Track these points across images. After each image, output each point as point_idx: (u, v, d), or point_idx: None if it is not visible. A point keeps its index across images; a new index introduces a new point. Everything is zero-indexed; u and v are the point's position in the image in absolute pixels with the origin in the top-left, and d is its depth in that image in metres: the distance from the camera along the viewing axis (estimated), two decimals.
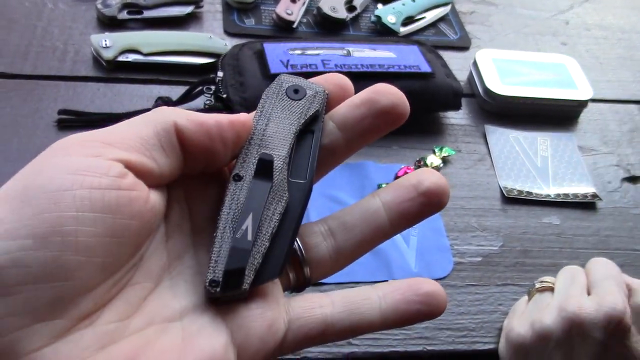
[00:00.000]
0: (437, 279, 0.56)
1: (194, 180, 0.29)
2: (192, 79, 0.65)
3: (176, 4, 0.74)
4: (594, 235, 0.63)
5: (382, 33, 0.78)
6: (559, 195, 0.65)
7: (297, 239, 0.29)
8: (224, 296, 0.26)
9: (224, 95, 0.61)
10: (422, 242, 0.59)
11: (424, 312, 0.29)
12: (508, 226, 0.62)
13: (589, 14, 0.92)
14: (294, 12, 0.76)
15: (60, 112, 0.61)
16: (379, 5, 0.81)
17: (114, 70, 0.67)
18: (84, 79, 0.66)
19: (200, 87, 0.63)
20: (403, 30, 0.79)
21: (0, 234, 0.21)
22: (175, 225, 0.27)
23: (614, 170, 0.70)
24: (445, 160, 0.66)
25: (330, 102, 0.31)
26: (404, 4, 0.80)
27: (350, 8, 0.79)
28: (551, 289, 0.52)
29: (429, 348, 0.52)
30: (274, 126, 0.29)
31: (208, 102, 0.62)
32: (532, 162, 0.68)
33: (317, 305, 0.28)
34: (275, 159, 0.28)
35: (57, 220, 0.21)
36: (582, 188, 0.66)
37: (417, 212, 0.30)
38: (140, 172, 0.25)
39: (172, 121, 0.26)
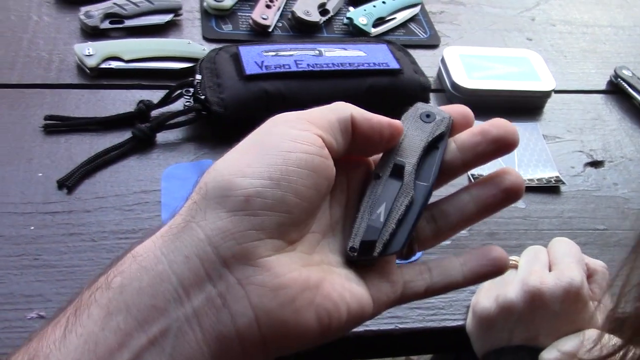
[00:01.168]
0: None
1: (351, 164, 0.36)
2: (172, 83, 0.68)
3: (156, 13, 0.77)
4: (557, 217, 0.66)
5: (355, 34, 0.82)
6: (524, 180, 0.68)
7: None
8: (359, 260, 0.34)
9: (202, 97, 0.65)
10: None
11: (493, 271, 0.37)
12: None
13: (555, 10, 0.96)
14: (269, 17, 0.80)
15: (47, 117, 0.64)
16: (351, 8, 0.84)
17: (97, 77, 0.70)
18: (68, 86, 0.69)
19: (180, 90, 0.67)
20: (374, 30, 0.82)
21: (250, 173, 0.29)
22: (336, 195, 0.35)
23: (578, 156, 0.74)
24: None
25: (454, 126, 0.37)
26: (374, 6, 0.84)
27: (324, 11, 0.83)
28: (515, 267, 0.56)
29: (401, 326, 0.55)
30: (408, 141, 0.37)
31: (187, 103, 0.66)
32: None
33: (421, 273, 0.36)
34: (406, 165, 0.36)
35: (286, 170, 0.29)
36: (547, 173, 0.70)
37: (499, 204, 0.37)
38: (328, 146, 0.32)
39: (349, 112, 0.33)
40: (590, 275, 0.54)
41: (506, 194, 0.36)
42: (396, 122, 0.36)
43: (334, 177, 0.33)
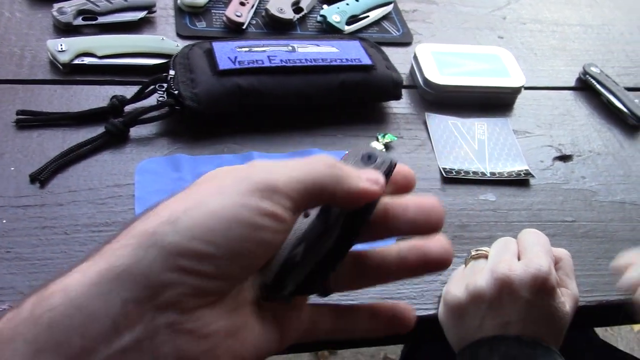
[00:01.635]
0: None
1: None
2: (145, 79, 0.68)
3: (129, 10, 0.77)
4: (527, 210, 0.68)
5: (328, 32, 0.83)
6: (494, 173, 0.70)
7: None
8: (272, 298, 0.33)
9: (176, 92, 0.65)
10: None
11: (396, 331, 0.38)
12: (447, 203, 0.66)
13: (525, 9, 0.98)
14: (243, 14, 0.80)
15: (19, 112, 0.64)
16: (325, 6, 0.85)
17: (70, 73, 0.70)
18: (41, 82, 0.69)
19: (153, 86, 0.67)
20: (348, 28, 0.83)
21: (208, 238, 0.28)
22: None
23: (547, 150, 0.75)
24: (387, 146, 0.70)
25: (396, 183, 0.36)
26: (348, 4, 0.85)
27: (297, 9, 0.84)
28: (485, 256, 0.57)
29: None
30: None
31: (161, 98, 0.66)
32: (470, 145, 0.73)
33: (330, 317, 0.37)
34: (333, 207, 0.34)
35: (247, 247, 0.29)
36: (517, 167, 0.71)
37: (421, 272, 0.37)
38: (292, 217, 0.31)
39: (330, 189, 0.31)
40: (556, 262, 0.56)
41: (431, 265, 0.35)
42: (367, 193, 0.33)
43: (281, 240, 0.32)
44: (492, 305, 0.52)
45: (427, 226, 0.34)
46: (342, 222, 0.34)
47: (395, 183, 0.35)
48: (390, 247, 0.36)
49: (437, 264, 0.35)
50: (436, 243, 0.35)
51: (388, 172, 0.34)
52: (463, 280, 0.55)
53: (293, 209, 0.30)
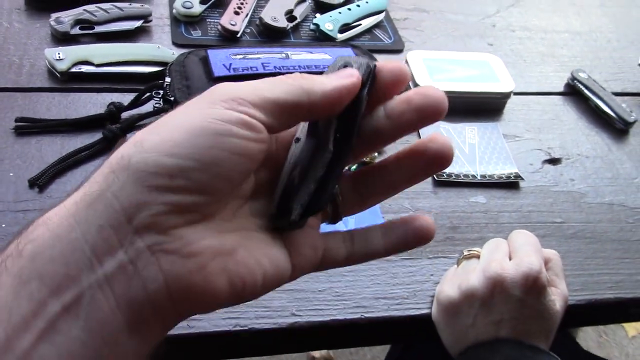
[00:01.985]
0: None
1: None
2: (142, 87, 0.69)
3: (126, 19, 0.79)
4: (517, 211, 0.69)
5: (321, 40, 0.84)
6: (484, 176, 0.71)
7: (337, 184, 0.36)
8: (281, 225, 0.33)
9: (172, 98, 0.66)
10: (359, 223, 0.64)
11: (415, 241, 0.37)
12: (439, 206, 0.68)
13: (514, 17, 1.00)
14: (238, 23, 0.82)
15: (18, 119, 0.65)
16: (317, 14, 0.87)
17: (68, 81, 0.71)
18: (39, 90, 0.70)
19: (150, 93, 0.68)
20: (340, 36, 0.85)
21: (177, 153, 0.28)
22: (263, 166, 0.33)
23: (536, 154, 0.77)
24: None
25: (387, 85, 0.34)
26: (340, 13, 0.86)
27: (291, 18, 0.85)
28: (477, 257, 0.58)
29: (367, 315, 0.57)
30: None
31: (157, 105, 0.67)
32: (461, 149, 0.74)
33: (343, 241, 0.36)
34: (321, 121, 0.34)
35: (215, 155, 0.28)
36: (507, 170, 0.73)
37: (422, 174, 0.36)
38: (267, 128, 0.30)
39: (304, 98, 0.31)
40: (545, 263, 0.57)
41: (434, 162, 0.35)
42: (350, 83, 0.32)
43: (264, 153, 0.31)
44: (484, 304, 0.53)
45: (435, 110, 0.33)
46: (334, 131, 0.33)
47: (384, 85, 0.34)
48: (388, 157, 0.36)
49: (439, 160, 0.34)
50: (434, 140, 0.34)
51: (368, 75, 0.33)
52: (456, 280, 0.56)
53: (265, 121, 0.30)
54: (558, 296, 0.55)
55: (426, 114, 0.33)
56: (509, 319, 0.53)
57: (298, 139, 0.34)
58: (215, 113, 0.28)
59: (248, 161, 0.30)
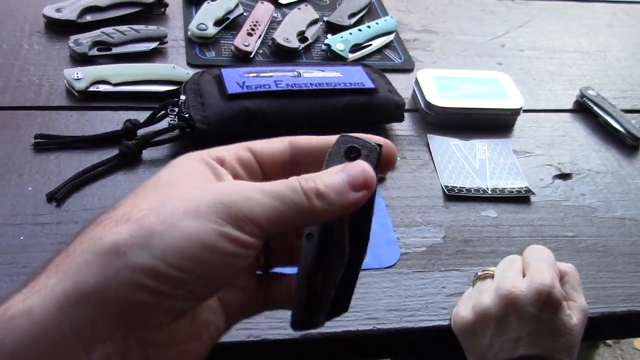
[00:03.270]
0: (385, 268, 0.62)
1: None
2: (157, 105, 0.71)
3: (142, 41, 0.81)
4: (528, 225, 0.69)
5: (332, 59, 0.86)
6: (495, 190, 0.72)
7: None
8: (307, 330, 0.34)
9: (186, 115, 0.68)
10: (371, 236, 0.64)
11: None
12: (450, 220, 0.68)
13: (523, 37, 1.01)
14: (251, 44, 0.84)
15: (37, 136, 0.67)
16: (329, 35, 0.89)
17: (86, 100, 0.73)
18: (58, 108, 0.72)
19: (165, 110, 0.70)
20: (351, 56, 0.87)
21: (184, 268, 0.28)
22: None
23: (547, 169, 0.77)
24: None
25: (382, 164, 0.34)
26: (351, 33, 0.88)
27: (303, 39, 0.87)
28: (492, 276, 0.58)
29: (378, 327, 0.57)
30: None
31: (172, 121, 0.69)
32: (471, 164, 0.75)
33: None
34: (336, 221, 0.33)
35: (220, 272, 0.30)
36: (517, 184, 0.73)
37: None
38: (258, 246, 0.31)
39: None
40: (562, 277, 0.56)
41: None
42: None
43: None
44: (499, 323, 0.53)
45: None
46: (347, 228, 0.32)
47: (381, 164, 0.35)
48: None
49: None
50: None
51: (376, 161, 0.32)
52: (470, 301, 0.56)
53: (262, 236, 0.30)
54: (576, 310, 0.54)
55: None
56: (526, 335, 0.52)
57: (310, 235, 0.34)
58: (226, 234, 0.29)
59: (237, 273, 0.31)
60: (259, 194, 0.30)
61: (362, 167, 0.32)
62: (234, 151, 0.35)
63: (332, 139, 0.34)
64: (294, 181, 0.31)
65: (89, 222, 0.30)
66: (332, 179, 0.32)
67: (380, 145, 0.33)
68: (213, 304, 0.34)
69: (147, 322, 0.28)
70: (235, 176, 0.35)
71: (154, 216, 0.29)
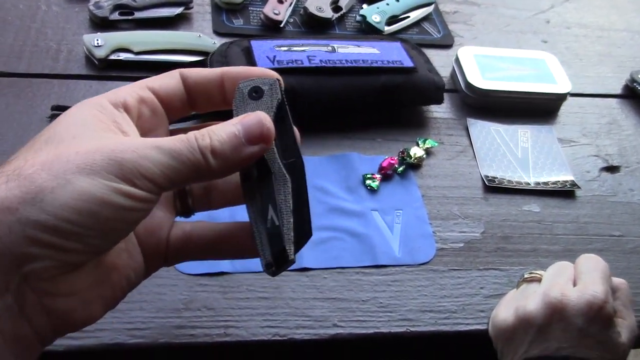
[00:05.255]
0: (420, 264, 0.58)
1: None
2: None
3: (166, 5, 0.76)
4: (573, 222, 0.65)
5: (367, 32, 0.80)
6: (538, 183, 0.67)
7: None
8: (283, 270, 0.34)
9: None
10: (405, 229, 0.61)
11: None
12: (489, 214, 0.64)
13: (570, 12, 0.95)
14: (281, 12, 0.79)
15: (54, 107, 0.63)
16: (364, 5, 0.83)
17: (106, 69, 0.69)
18: (76, 77, 0.68)
19: None
20: (387, 29, 0.81)
21: (77, 222, 0.29)
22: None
23: (593, 161, 0.72)
24: (428, 151, 0.68)
25: None
26: (388, 4, 0.82)
27: (336, 8, 0.82)
28: (539, 280, 0.53)
29: (412, 329, 0.54)
30: None
31: None
32: (513, 153, 0.70)
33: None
34: (265, 153, 0.33)
35: (114, 226, 0.31)
36: (561, 177, 0.68)
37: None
38: (155, 200, 0.33)
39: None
40: (613, 292, 0.52)
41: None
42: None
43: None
44: (541, 330, 0.49)
45: None
46: (279, 156, 0.34)
47: None
48: None
49: None
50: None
51: (282, 91, 0.35)
52: (513, 304, 0.52)
53: (158, 192, 0.31)
54: (625, 328, 0.50)
55: None
56: (568, 347, 0.48)
57: (247, 175, 0.34)
58: (120, 189, 0.29)
59: (136, 225, 0.32)
60: (154, 152, 0.30)
61: (259, 118, 0.33)
62: (135, 91, 0.36)
63: (220, 70, 0.37)
64: (191, 138, 0.32)
65: None
66: (228, 132, 0.32)
67: (277, 78, 0.36)
68: (129, 247, 0.35)
69: (41, 274, 0.29)
70: (140, 117, 0.35)
71: (45, 172, 0.29)
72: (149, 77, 0.68)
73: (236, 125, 0.33)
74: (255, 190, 0.34)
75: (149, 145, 0.31)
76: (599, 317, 0.48)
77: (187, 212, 0.40)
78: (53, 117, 0.62)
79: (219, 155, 0.32)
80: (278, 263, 0.33)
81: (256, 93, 0.35)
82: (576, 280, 0.51)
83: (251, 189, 0.34)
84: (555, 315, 0.48)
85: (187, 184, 0.36)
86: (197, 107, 0.39)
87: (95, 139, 0.31)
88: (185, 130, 0.33)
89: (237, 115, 0.34)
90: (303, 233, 0.34)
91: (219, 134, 0.32)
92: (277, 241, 0.33)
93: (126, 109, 0.35)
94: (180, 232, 0.38)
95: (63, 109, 0.62)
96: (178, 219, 0.40)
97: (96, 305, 0.33)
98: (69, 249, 0.29)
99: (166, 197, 0.39)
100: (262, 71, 0.37)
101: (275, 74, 0.37)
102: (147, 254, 0.37)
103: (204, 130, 0.32)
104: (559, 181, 0.68)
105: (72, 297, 0.31)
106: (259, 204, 0.34)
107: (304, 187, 0.34)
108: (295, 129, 0.37)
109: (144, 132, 0.36)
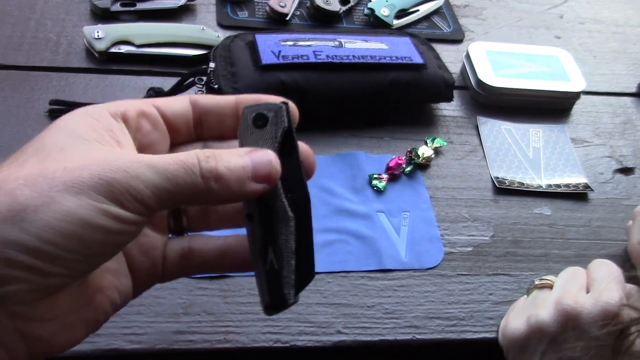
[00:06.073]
0: (427, 269, 0.56)
1: None
2: (184, 71, 0.65)
3: None
4: (585, 226, 0.63)
5: (376, 26, 0.78)
6: (550, 185, 0.65)
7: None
8: (281, 311, 0.32)
9: (216, 86, 0.61)
10: (412, 232, 0.59)
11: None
12: (499, 216, 0.62)
13: (583, 7, 0.92)
14: (287, 5, 0.76)
15: (52, 102, 0.61)
16: None
17: (107, 62, 0.67)
18: (76, 70, 0.66)
19: (192, 78, 0.63)
20: (396, 22, 0.79)
21: (61, 245, 0.27)
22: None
23: (606, 162, 0.70)
24: (437, 151, 0.66)
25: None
26: None
27: (344, 1, 0.79)
28: (550, 287, 0.51)
29: (419, 337, 0.52)
30: None
31: (200, 92, 0.62)
32: (524, 153, 0.68)
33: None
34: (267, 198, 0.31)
35: (99, 250, 0.29)
36: (574, 179, 0.66)
37: None
38: (143, 222, 0.31)
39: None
40: (625, 298, 0.50)
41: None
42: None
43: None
44: (554, 340, 0.47)
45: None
46: (282, 193, 0.31)
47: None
48: None
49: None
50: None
51: (289, 119, 0.32)
52: (524, 312, 0.50)
53: (148, 213, 0.29)
54: None
55: None
56: (582, 357, 0.47)
57: (250, 215, 0.32)
58: (107, 211, 0.27)
59: (121, 248, 0.31)
60: (147, 171, 0.28)
61: (269, 159, 0.31)
62: (138, 105, 0.34)
63: (234, 98, 0.35)
64: (192, 158, 0.29)
65: None
66: (236, 163, 0.30)
67: (285, 102, 0.32)
68: (115, 266, 0.33)
69: (18, 298, 0.27)
70: (139, 130, 0.33)
71: (29, 188, 0.26)
72: (151, 70, 0.67)
73: (244, 158, 0.30)
74: (256, 226, 0.32)
75: (142, 163, 0.28)
76: (614, 325, 0.46)
77: (180, 232, 0.37)
78: (51, 112, 0.61)
79: (222, 182, 0.30)
80: (276, 307, 0.32)
81: (260, 121, 0.32)
82: (589, 286, 0.49)
83: (253, 228, 0.32)
84: (569, 323, 0.47)
85: (180, 207, 0.34)
86: (205, 133, 0.36)
87: (85, 152, 0.29)
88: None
89: (243, 145, 0.32)
90: (305, 274, 0.32)
91: (227, 160, 0.30)
92: (276, 286, 0.31)
93: (125, 119, 0.33)
94: (178, 248, 0.36)
95: (62, 103, 0.61)
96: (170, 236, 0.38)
97: (77, 329, 0.31)
98: (50, 273, 0.27)
99: (159, 215, 0.36)
100: (276, 99, 0.34)
101: (284, 100, 0.34)
102: (139, 274, 0.35)
103: (208, 152, 0.30)
104: (571, 183, 0.66)
105: (51, 321, 0.29)
106: (259, 242, 0.32)
107: (308, 224, 0.32)
108: (306, 149, 0.34)
109: (142, 147, 0.33)
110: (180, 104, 0.35)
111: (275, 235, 0.31)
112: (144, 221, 0.29)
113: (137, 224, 0.29)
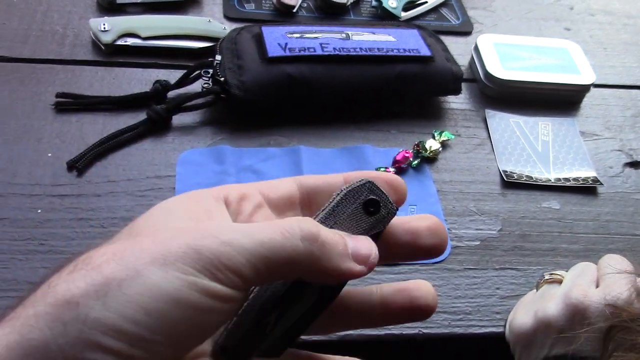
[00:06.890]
0: (434, 263, 0.56)
1: None
2: (190, 63, 0.64)
3: None
4: (594, 220, 0.62)
5: (383, 18, 0.78)
6: (559, 179, 0.64)
7: None
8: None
9: (222, 79, 0.61)
10: None
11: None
12: (507, 210, 0.61)
13: None
14: None
15: (58, 95, 0.61)
16: None
17: (113, 54, 0.67)
18: (82, 62, 0.66)
19: (198, 71, 0.63)
20: (404, 15, 0.78)
21: (145, 324, 0.24)
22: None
23: (616, 155, 0.69)
24: (444, 144, 0.65)
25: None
26: None
27: None
28: (560, 281, 0.51)
29: (425, 331, 0.52)
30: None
31: (206, 85, 0.62)
32: (533, 146, 0.67)
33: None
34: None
35: (186, 331, 0.25)
36: (583, 173, 0.66)
37: (405, 319, 0.33)
38: (239, 299, 0.27)
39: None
40: (637, 294, 0.50)
41: (417, 312, 0.33)
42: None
43: None
44: (562, 334, 0.47)
45: (437, 250, 0.32)
46: (319, 290, 0.29)
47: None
48: (371, 290, 0.33)
49: (423, 311, 0.32)
50: (422, 287, 0.33)
51: (386, 225, 0.29)
52: (532, 306, 0.50)
53: (245, 286, 0.26)
54: None
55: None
56: (589, 351, 0.46)
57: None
58: (198, 285, 0.24)
59: (212, 331, 0.27)
60: (240, 236, 0.25)
61: (371, 244, 0.29)
62: (241, 189, 0.31)
63: (342, 176, 0.32)
64: (289, 221, 0.27)
65: (51, 271, 0.25)
66: (334, 235, 0.27)
67: (396, 209, 0.30)
68: (205, 347, 0.30)
69: None
70: (240, 213, 0.31)
71: (115, 262, 0.24)
72: (157, 63, 0.67)
73: (344, 237, 0.28)
74: (278, 286, 0.29)
75: (234, 228, 0.26)
76: (623, 320, 0.45)
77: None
78: (57, 105, 0.61)
79: (325, 248, 0.27)
80: (229, 356, 0.29)
81: (372, 208, 0.29)
82: (599, 281, 0.48)
83: (275, 282, 0.29)
84: (577, 317, 0.46)
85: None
86: (312, 211, 0.33)
87: (177, 229, 0.27)
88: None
89: (337, 205, 0.29)
90: (274, 350, 0.30)
91: (326, 230, 0.28)
92: (250, 342, 0.29)
93: (226, 202, 0.31)
94: None
95: (68, 96, 0.61)
96: None
97: None
98: (131, 357, 0.24)
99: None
100: (387, 176, 0.32)
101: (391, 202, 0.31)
102: None
103: (307, 218, 0.28)
104: (580, 177, 0.65)
105: None
106: (271, 301, 0.29)
107: (317, 314, 0.30)
108: (399, 183, 0.31)
109: None
110: (285, 186, 0.33)
111: (289, 305, 0.29)
112: (238, 297, 0.26)
113: (229, 301, 0.25)
